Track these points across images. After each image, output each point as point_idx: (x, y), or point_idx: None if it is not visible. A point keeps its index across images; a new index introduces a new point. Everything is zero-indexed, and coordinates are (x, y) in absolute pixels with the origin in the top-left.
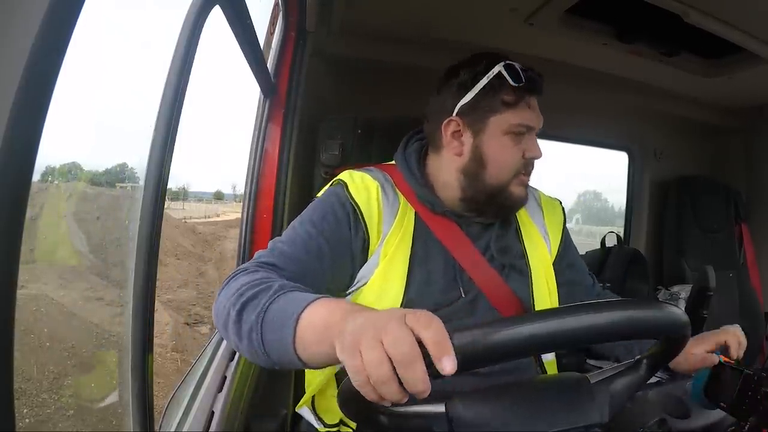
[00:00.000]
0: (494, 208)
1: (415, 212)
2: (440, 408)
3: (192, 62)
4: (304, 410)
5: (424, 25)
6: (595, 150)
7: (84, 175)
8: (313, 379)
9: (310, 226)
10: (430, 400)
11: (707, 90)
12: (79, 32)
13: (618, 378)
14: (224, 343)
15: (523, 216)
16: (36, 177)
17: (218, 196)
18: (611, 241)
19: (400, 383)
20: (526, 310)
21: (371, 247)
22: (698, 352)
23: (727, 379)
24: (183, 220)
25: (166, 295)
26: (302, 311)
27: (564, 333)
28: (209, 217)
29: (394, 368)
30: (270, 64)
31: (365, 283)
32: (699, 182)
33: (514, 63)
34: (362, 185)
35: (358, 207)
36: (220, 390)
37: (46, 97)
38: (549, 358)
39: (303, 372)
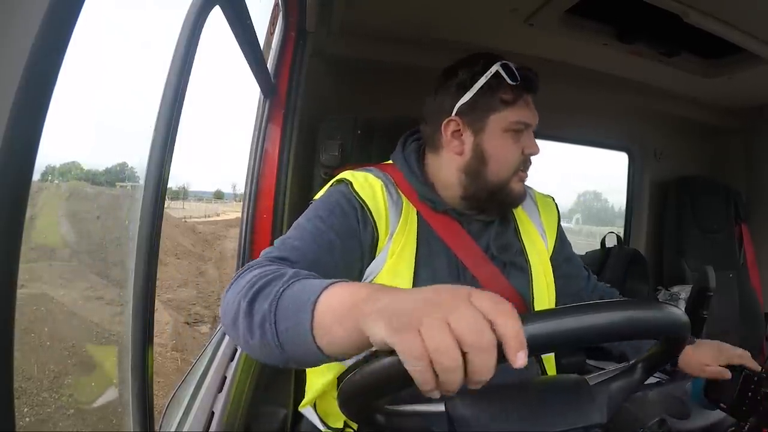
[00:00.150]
0: (495, 205)
1: (417, 211)
2: (440, 407)
3: (192, 62)
4: (307, 410)
5: (424, 26)
6: (595, 150)
7: (74, 175)
8: (316, 381)
9: (318, 222)
10: (431, 399)
11: (707, 90)
12: (79, 32)
13: (618, 379)
14: (224, 343)
15: (520, 214)
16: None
17: (218, 196)
18: (611, 242)
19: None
20: (526, 306)
21: (380, 244)
22: (713, 364)
23: (726, 379)
24: (183, 220)
25: (166, 294)
26: (320, 294)
27: (563, 333)
28: (209, 217)
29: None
30: (270, 64)
31: (371, 281)
32: (699, 182)
33: (509, 62)
34: (366, 183)
35: (365, 204)
36: (220, 390)
37: (46, 97)
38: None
39: (303, 372)
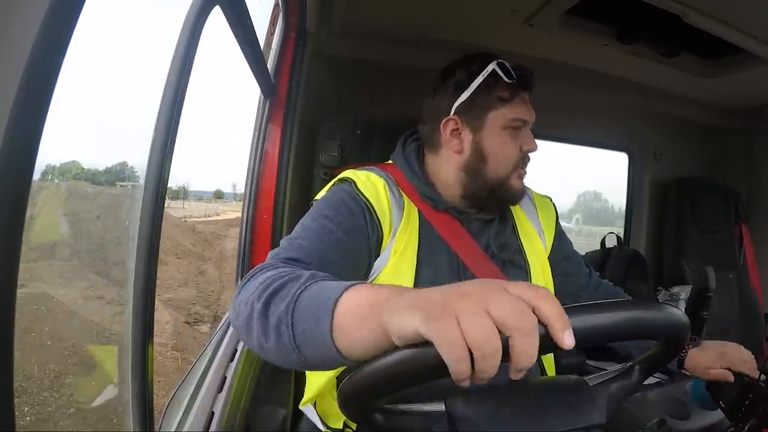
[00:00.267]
0: (495, 202)
1: (418, 210)
2: (440, 407)
3: (192, 63)
4: (308, 408)
5: (424, 26)
6: (595, 150)
7: (74, 174)
8: (315, 381)
9: (325, 221)
10: (431, 398)
11: (707, 91)
12: (80, 32)
13: (618, 379)
14: (224, 343)
15: (518, 213)
16: (36, 176)
17: (218, 195)
18: (611, 242)
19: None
20: None
21: (384, 242)
22: (715, 367)
23: (729, 381)
24: (183, 219)
25: (167, 294)
26: (340, 295)
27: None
28: (209, 216)
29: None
30: (270, 64)
31: (373, 279)
32: (699, 183)
33: (504, 61)
34: (369, 182)
35: (369, 202)
36: (220, 390)
37: (46, 97)
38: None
39: (303, 372)
